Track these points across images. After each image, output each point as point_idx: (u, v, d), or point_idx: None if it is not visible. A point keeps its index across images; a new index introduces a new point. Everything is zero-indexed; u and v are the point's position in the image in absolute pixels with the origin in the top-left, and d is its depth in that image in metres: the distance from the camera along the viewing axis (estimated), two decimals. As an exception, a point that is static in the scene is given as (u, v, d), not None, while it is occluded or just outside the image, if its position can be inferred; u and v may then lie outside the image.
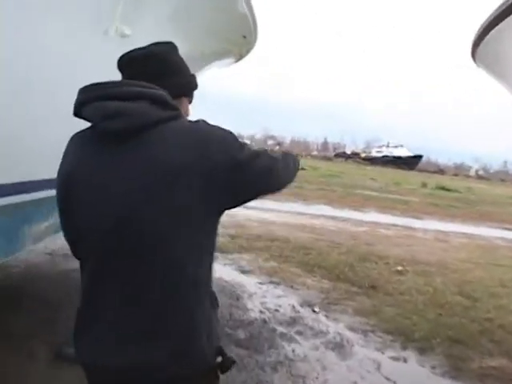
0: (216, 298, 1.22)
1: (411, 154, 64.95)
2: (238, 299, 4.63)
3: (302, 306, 4.66)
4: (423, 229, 11.08)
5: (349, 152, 77.28)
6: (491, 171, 69.05)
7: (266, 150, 1.32)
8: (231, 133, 1.14)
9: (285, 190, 1.34)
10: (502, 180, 61.00)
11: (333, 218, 11.32)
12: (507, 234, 11.71)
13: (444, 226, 12.12)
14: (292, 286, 5.27)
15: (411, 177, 37.07)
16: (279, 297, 4.91)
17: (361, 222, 11.06)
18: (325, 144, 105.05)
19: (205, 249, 1.12)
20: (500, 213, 16.63)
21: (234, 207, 1.15)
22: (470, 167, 70.12)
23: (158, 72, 1.17)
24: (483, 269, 6.83)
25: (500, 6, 3.13)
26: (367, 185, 23.37)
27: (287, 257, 6.60)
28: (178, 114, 1.11)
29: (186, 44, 2.21)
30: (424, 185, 24.66)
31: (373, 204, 15.27)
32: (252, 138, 72.40)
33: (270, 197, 1.36)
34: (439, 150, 72.58)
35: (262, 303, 4.65)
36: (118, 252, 1.06)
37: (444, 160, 70.92)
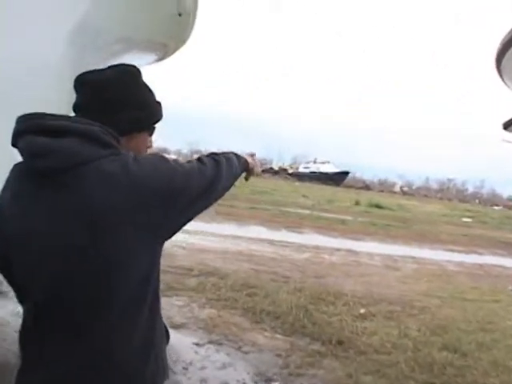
0: (167, 330, 1.29)
1: (338, 170, 67.48)
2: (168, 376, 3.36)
3: (256, 382, 3.51)
4: (368, 253, 10.58)
5: (276, 168, 78.33)
6: (414, 187, 73.33)
7: (205, 158, 1.26)
8: (164, 160, 1.13)
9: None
10: (426, 196, 64.85)
11: (271, 242, 10.44)
12: (453, 256, 11.61)
13: (388, 248, 11.75)
14: (239, 348, 4.12)
15: (341, 193, 37.77)
16: (224, 367, 3.73)
17: (302, 247, 10.28)
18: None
19: (149, 291, 1.12)
20: (437, 232, 16.90)
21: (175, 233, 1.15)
22: (395, 183, 73.84)
23: (112, 103, 1.16)
24: (451, 306, 6.20)
25: None
26: (300, 202, 23.05)
27: (228, 300, 5.48)
28: (114, 152, 1.08)
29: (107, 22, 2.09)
30: (357, 202, 24.87)
31: (309, 224, 14.83)
32: (179, 152, 71.20)
33: (198, 216, 1.20)
34: (364, 165, 75.82)
35: (201, 380, 3.44)
36: (55, 300, 1.06)
37: (369, 176, 74.06)
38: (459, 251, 12.96)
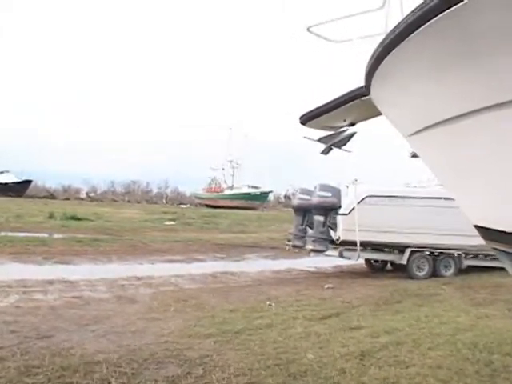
0: None
1: (19, 180, 60.73)
2: None
3: None
4: (88, 281, 8.91)
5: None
6: (99, 191, 72.51)
7: None
8: None
9: None
10: (114, 200, 64.99)
11: None
12: (179, 269, 11.19)
13: (107, 270, 10.40)
14: None
15: (27, 205, 33.30)
16: None
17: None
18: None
19: None
20: (148, 241, 16.47)
21: None
22: (80, 189, 71.31)
23: None
24: (235, 346, 5.35)
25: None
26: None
27: None
28: None
29: None
30: (51, 215, 21.98)
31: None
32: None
33: None
34: (46, 173, 70.03)
35: None
36: None
37: (52, 183, 68.81)
38: (180, 261, 12.86)
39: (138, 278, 9.59)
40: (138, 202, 66.28)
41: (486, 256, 11.07)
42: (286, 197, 71.57)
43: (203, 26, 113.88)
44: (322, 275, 11.37)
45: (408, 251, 10.71)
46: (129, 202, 66.52)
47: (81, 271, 10.05)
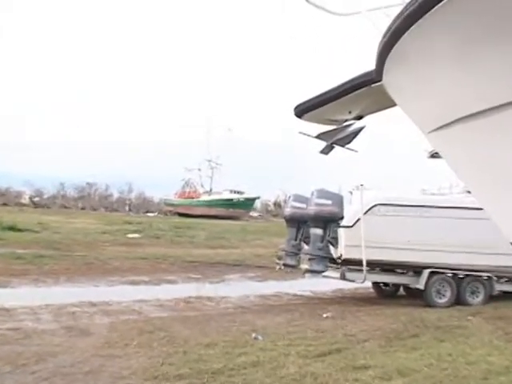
0: None
1: None
2: None
3: None
4: (30, 308, 8.81)
5: None
6: (46, 196, 71.78)
7: None
8: None
9: None
10: (64, 206, 64.54)
11: None
12: (145, 292, 11.08)
13: (52, 294, 10.33)
14: None
15: None
16: None
17: None
18: None
19: None
20: (106, 258, 16.47)
21: None
22: (22, 192, 70.58)
23: None
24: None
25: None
26: None
27: None
28: None
29: None
30: (-18, 225, 21.73)
31: None
32: None
33: None
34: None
35: None
36: None
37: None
38: (146, 282, 12.88)
39: (93, 304, 9.52)
40: (95, 210, 66.08)
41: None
42: (276, 204, 71.95)
43: (200, 27, 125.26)
44: (319, 301, 11.38)
45: (426, 273, 10.70)
46: (83, 209, 66.25)
47: (20, 296, 10.02)
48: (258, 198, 68.72)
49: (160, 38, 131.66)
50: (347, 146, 5.17)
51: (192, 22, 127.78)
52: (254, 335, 7.34)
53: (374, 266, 10.66)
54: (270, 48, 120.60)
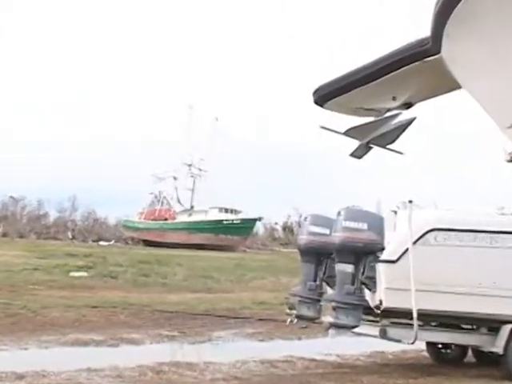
0: None
1: None
2: None
3: None
4: None
5: None
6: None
7: None
8: None
9: None
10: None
11: None
12: (109, 356, 11.39)
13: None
14: None
15: None
16: None
17: None
18: None
19: None
20: (40, 306, 16.53)
21: None
22: None
23: None
24: None
25: None
26: None
27: None
28: None
29: None
30: None
31: None
32: None
33: None
34: None
35: None
36: None
37: None
38: (97, 343, 13.04)
39: (19, 376, 9.48)
40: (22, 237, 66.11)
41: None
42: (287, 229, 71.96)
43: (200, 27, 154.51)
44: (350, 371, 11.33)
45: (507, 330, 10.60)
46: (4, 235, 66.21)
47: None
48: (260, 219, 68.75)
49: (160, 37, 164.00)
50: (390, 145, 5.19)
51: (192, 22, 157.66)
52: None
53: (428, 318, 10.64)
54: (269, 48, 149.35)
